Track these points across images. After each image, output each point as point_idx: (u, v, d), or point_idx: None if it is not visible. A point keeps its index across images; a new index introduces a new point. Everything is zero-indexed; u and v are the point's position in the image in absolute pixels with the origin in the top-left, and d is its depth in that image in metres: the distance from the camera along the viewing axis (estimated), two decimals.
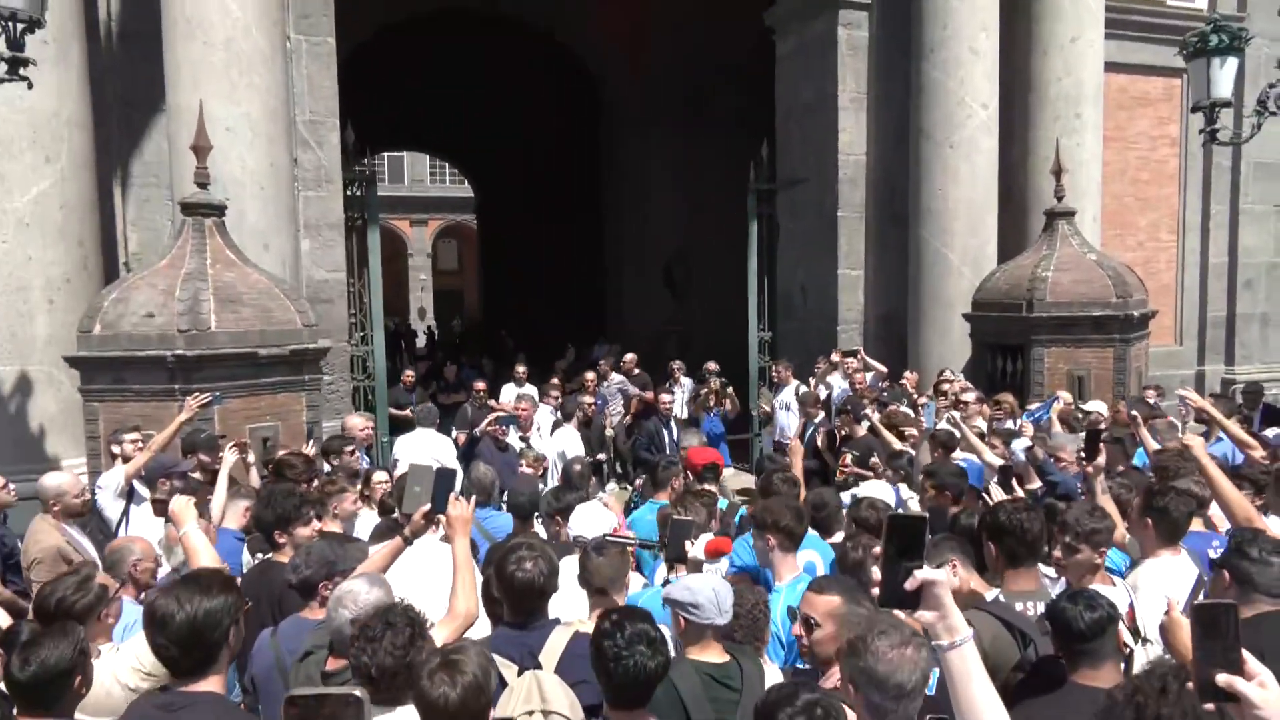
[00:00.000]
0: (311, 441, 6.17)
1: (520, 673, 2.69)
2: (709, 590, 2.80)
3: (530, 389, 9.62)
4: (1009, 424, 6.47)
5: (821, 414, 8.05)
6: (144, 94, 7.62)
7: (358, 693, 1.48)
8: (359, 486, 5.36)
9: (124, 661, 2.72)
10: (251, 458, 5.46)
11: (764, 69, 11.72)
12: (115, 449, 5.46)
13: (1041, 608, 3.00)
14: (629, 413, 9.48)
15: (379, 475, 5.70)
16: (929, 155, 9.46)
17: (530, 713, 2.47)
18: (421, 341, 27.75)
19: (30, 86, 4.94)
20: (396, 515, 4.27)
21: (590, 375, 9.86)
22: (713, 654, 2.79)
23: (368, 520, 4.94)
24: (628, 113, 17.78)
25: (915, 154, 9.63)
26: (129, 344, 5.69)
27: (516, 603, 2.95)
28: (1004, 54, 9.57)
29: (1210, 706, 1.51)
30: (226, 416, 5.85)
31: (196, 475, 5.28)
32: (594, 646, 2.39)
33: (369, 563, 3.21)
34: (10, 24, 4.57)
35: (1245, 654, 1.52)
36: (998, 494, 4.42)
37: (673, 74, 16.24)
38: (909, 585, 1.71)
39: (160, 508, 4.86)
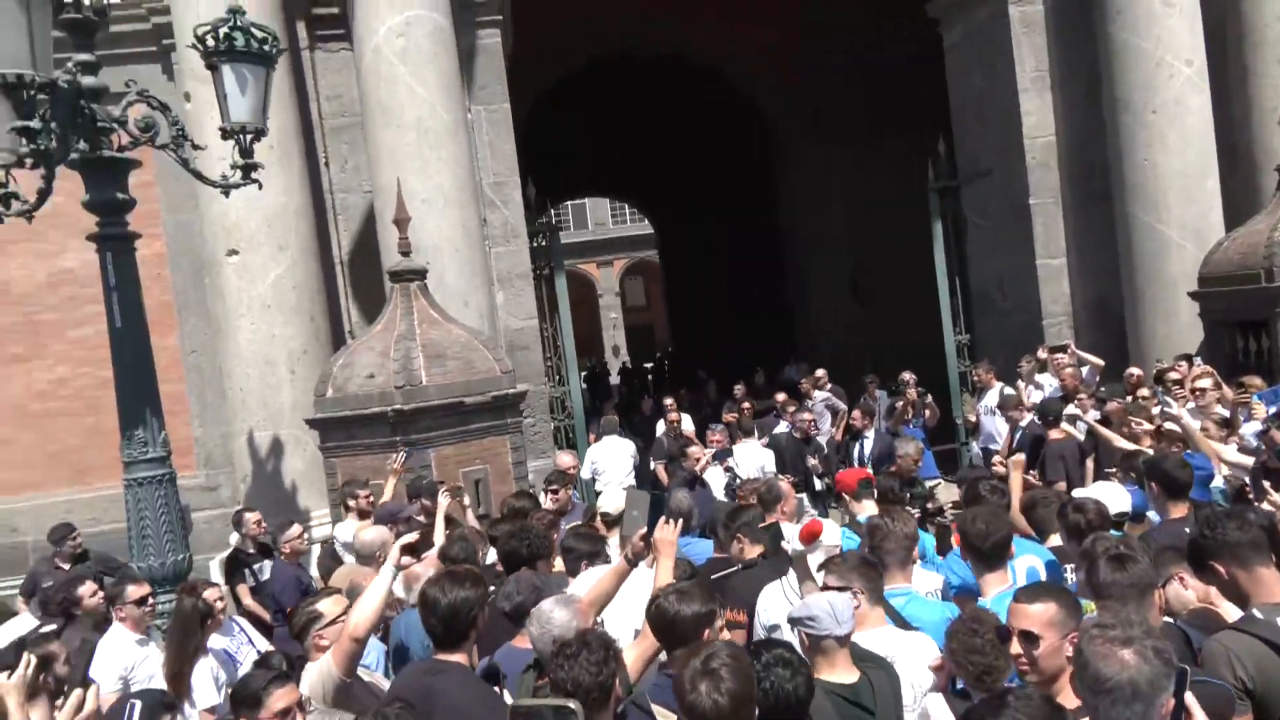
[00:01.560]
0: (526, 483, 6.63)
1: None
2: (824, 602, 2.76)
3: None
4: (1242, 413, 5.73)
5: (1029, 416, 7.51)
6: (353, 179, 8.55)
7: (572, 704, 1.58)
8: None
9: None
10: (467, 499, 5.90)
11: (929, 64, 11.28)
12: (351, 502, 6.09)
13: None
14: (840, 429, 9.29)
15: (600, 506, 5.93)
16: (1129, 125, 8.67)
17: None
18: (615, 379, 28.62)
19: (261, 188, 5.69)
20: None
21: (781, 396, 9.78)
22: (841, 672, 2.72)
23: None
24: (797, 130, 17.64)
25: (1113, 126, 8.86)
26: (355, 403, 6.35)
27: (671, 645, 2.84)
28: (1205, 2, 8.64)
29: None
30: (442, 463, 6.36)
31: (421, 518, 5.79)
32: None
33: (596, 586, 3.36)
34: (241, 136, 5.29)
35: None
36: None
37: (835, 86, 15.98)
38: None
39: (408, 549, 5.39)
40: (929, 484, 7.11)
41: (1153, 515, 4.50)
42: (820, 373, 10.51)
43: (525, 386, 7.57)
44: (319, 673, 3.06)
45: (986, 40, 9.96)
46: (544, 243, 9.48)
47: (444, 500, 5.40)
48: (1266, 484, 4.17)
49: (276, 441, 7.74)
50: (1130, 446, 5.84)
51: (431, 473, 6.24)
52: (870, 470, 7.56)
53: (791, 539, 3.79)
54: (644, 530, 3.22)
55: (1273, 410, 5.35)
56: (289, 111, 7.81)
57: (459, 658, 3.06)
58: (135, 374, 4.92)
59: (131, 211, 4.97)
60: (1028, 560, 3.79)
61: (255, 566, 6.19)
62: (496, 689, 3.06)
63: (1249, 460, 5.00)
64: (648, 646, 2.87)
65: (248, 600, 6.01)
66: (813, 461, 8.25)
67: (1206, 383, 6.33)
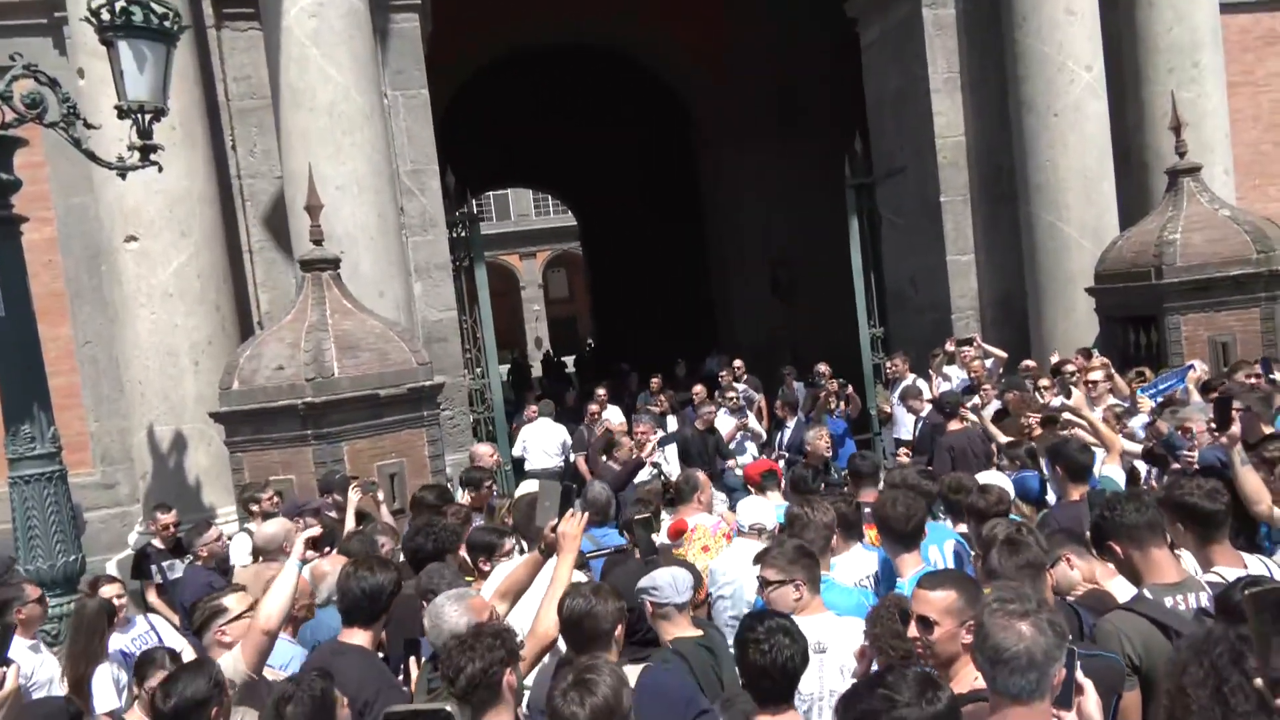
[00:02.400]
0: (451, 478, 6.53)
1: None
2: (668, 575, 3.22)
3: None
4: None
5: (928, 408, 7.78)
6: (263, 164, 8.24)
7: (449, 708, 1.55)
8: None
9: None
10: (381, 494, 5.77)
11: (849, 63, 11.52)
12: (254, 507, 5.85)
13: (1195, 600, 2.77)
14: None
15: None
16: (1033, 127, 9.04)
17: None
18: (538, 371, 28.45)
19: (161, 170, 5.42)
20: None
21: (699, 388, 9.87)
22: (684, 630, 3.20)
23: None
24: (718, 125, 17.81)
25: (1018, 127, 9.22)
26: (264, 396, 6.12)
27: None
28: (1105, 10, 9.07)
29: None
30: (355, 456, 6.20)
31: (332, 514, 5.63)
32: (738, 645, 2.55)
33: (509, 578, 3.33)
34: (139, 115, 5.03)
35: None
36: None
37: (757, 82, 16.18)
38: None
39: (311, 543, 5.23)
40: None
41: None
42: (738, 364, 10.65)
43: (443, 379, 7.43)
44: (227, 669, 2.95)
45: (902, 41, 10.22)
46: (464, 233, 9.32)
47: (354, 495, 5.28)
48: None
49: (179, 436, 7.43)
50: (1004, 438, 6.04)
51: (344, 467, 6.08)
52: (786, 457, 7.76)
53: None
54: (555, 522, 3.19)
55: (1158, 401, 5.64)
56: (193, 91, 7.48)
57: (362, 639, 3.22)
58: (21, 366, 4.64)
59: (17, 193, 4.67)
60: (949, 545, 3.92)
61: (165, 564, 5.90)
62: (411, 663, 3.23)
63: (1138, 448, 5.29)
64: (533, 645, 2.84)
65: (153, 598, 5.73)
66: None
67: (1098, 375, 6.65)
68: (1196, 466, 4.22)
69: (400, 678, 3.34)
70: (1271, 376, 5.98)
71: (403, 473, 6.39)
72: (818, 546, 3.63)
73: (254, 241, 8.34)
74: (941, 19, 9.79)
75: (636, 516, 4.00)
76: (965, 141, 9.86)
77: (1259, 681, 1.39)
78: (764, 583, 3.17)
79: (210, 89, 8.00)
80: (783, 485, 5.53)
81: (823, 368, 9.50)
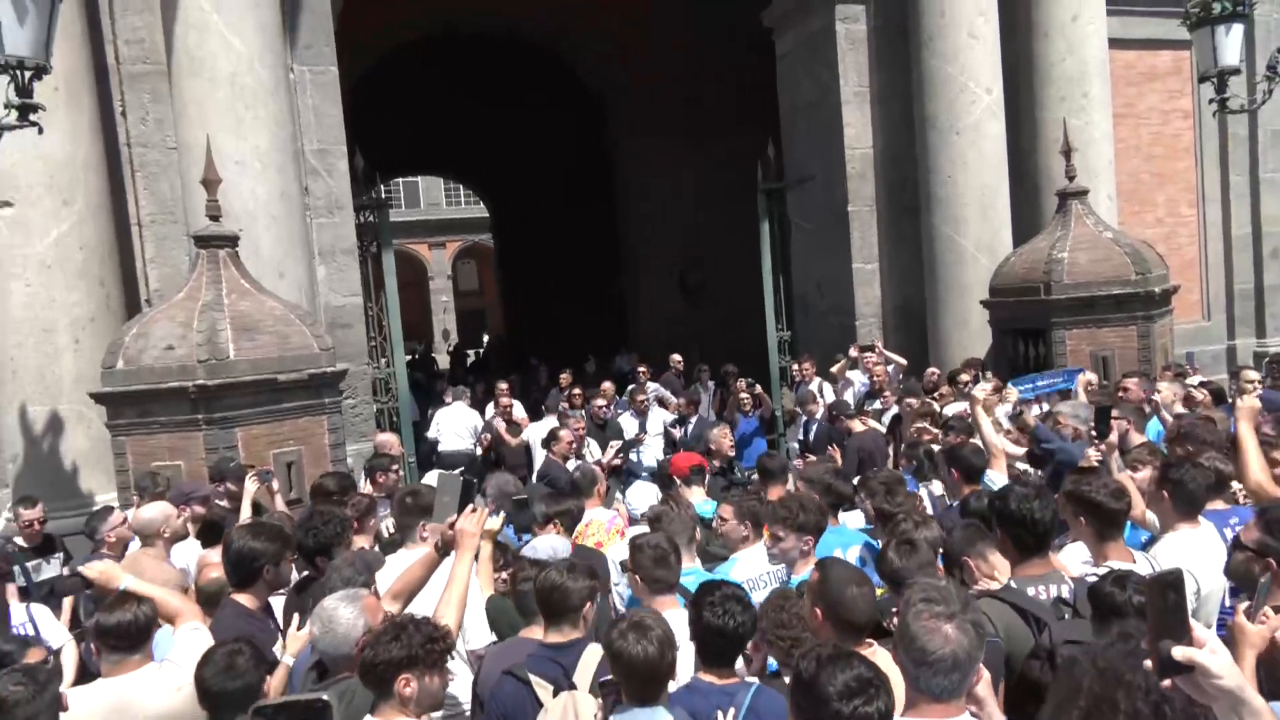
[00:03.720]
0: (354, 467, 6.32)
1: (555, 693, 2.71)
2: (548, 544, 3.60)
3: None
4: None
5: (821, 409, 8.02)
6: (155, 134, 7.78)
7: (325, 696, 1.49)
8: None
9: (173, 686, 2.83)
10: (276, 484, 5.54)
11: (764, 68, 11.73)
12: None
13: (1056, 590, 2.95)
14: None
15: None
16: (936, 143, 9.41)
17: None
18: (445, 363, 27.93)
19: (41, 132, 5.05)
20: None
21: (608, 385, 9.88)
22: None
23: None
24: (633, 121, 17.87)
25: (922, 143, 9.58)
26: (151, 377, 5.79)
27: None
28: (1005, 38, 9.52)
29: (1168, 682, 1.47)
30: (250, 443, 5.93)
31: (223, 503, 5.38)
32: (693, 608, 2.73)
33: (404, 576, 3.22)
34: (18, 72, 4.69)
35: (1193, 623, 1.48)
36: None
37: (674, 81, 16.31)
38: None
39: (199, 530, 4.97)
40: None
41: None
42: (643, 369, 10.78)
43: (346, 366, 7.20)
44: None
45: (815, 52, 10.48)
46: (372, 218, 9.05)
47: (251, 485, 5.05)
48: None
49: (55, 417, 6.95)
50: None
51: (238, 453, 5.82)
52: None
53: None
54: (454, 518, 3.08)
55: (1033, 397, 5.91)
56: (80, 51, 7.00)
57: (243, 598, 3.43)
58: None
59: None
60: (854, 551, 4.02)
61: (30, 564, 5.47)
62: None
63: (1021, 450, 5.56)
64: None
65: (13, 600, 5.29)
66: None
67: (988, 386, 6.96)
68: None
69: None
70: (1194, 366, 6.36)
71: (300, 461, 6.16)
72: (684, 541, 3.74)
73: (144, 214, 7.87)
74: (854, 34, 10.08)
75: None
76: (873, 153, 10.19)
77: (1148, 663, 1.47)
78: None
79: (99, 50, 7.51)
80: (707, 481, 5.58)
81: (732, 367, 9.66)
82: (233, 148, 6.93)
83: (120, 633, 2.81)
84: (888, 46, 9.98)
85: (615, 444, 8.01)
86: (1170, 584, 1.50)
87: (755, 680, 2.74)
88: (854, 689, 1.87)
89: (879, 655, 2.65)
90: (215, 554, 3.91)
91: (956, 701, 1.98)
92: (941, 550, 3.29)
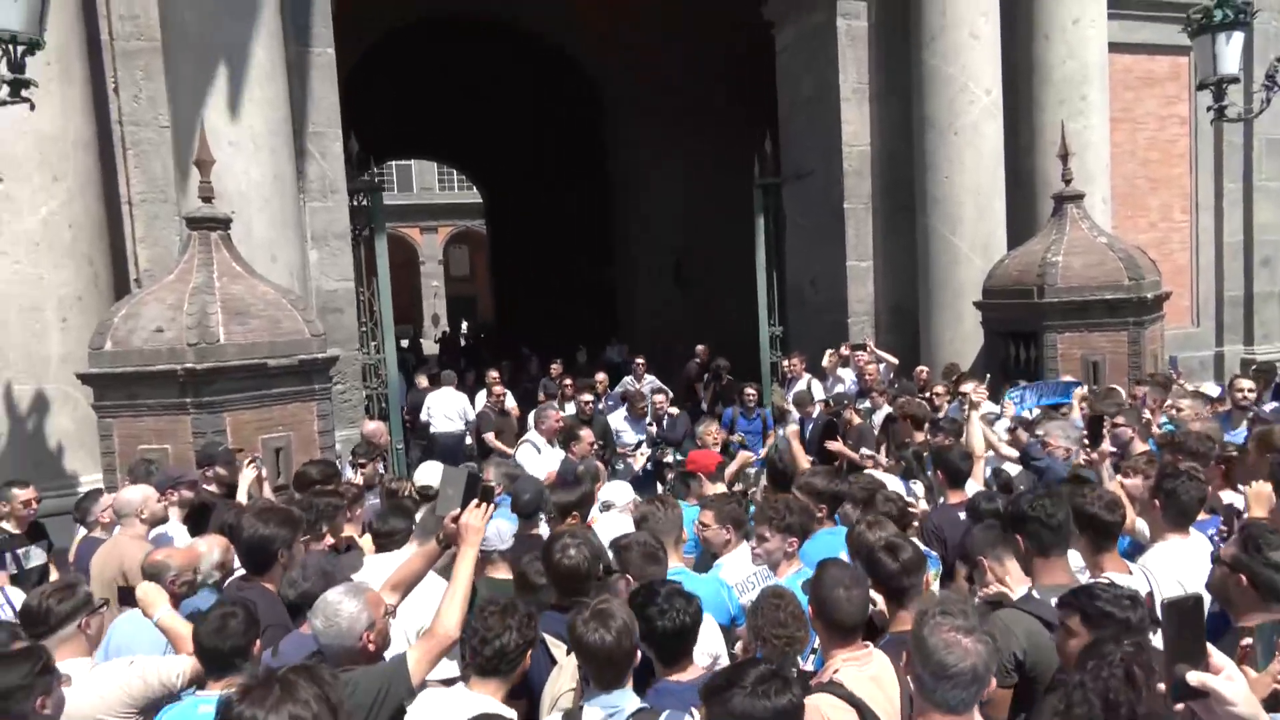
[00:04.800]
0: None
1: (569, 652, 2.80)
2: (494, 528, 3.68)
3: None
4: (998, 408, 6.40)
5: (819, 408, 8.02)
6: (148, 111, 7.69)
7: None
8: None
9: (94, 693, 2.83)
10: (265, 471, 5.49)
11: (766, 63, 11.68)
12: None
13: None
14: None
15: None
16: (933, 143, 9.40)
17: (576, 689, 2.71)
18: (434, 349, 27.83)
19: (33, 108, 4.98)
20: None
21: (601, 376, 9.86)
22: (501, 572, 3.79)
23: None
24: (631, 113, 17.78)
25: (920, 142, 9.57)
26: (140, 360, 5.73)
27: (562, 586, 3.23)
28: (1005, 39, 9.50)
29: (1180, 706, 1.48)
30: (239, 428, 5.89)
31: (210, 488, 5.34)
32: (641, 619, 2.67)
33: (402, 568, 3.14)
34: (11, 46, 4.61)
35: (1211, 648, 1.49)
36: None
37: (673, 72, 16.22)
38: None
39: (186, 515, 4.93)
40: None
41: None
42: (639, 361, 10.75)
43: (336, 352, 7.16)
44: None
45: (815, 47, 10.44)
46: (365, 202, 8.97)
47: (249, 472, 5.02)
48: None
49: (40, 396, 6.88)
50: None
51: (226, 438, 5.77)
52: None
53: None
54: (457, 511, 3.01)
55: (1030, 409, 5.93)
56: (73, 26, 6.90)
57: (264, 582, 3.46)
58: None
59: None
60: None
61: (20, 551, 5.37)
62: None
63: (1015, 453, 5.57)
64: (431, 645, 2.71)
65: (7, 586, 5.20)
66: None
67: (968, 386, 6.94)
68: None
69: None
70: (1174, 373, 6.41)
71: (289, 447, 6.12)
72: (670, 540, 3.75)
73: (135, 193, 7.78)
74: (855, 30, 10.04)
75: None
76: (871, 151, 10.17)
77: (1161, 686, 1.48)
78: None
79: (93, 25, 7.40)
80: None
81: (722, 362, 9.65)
82: (227, 128, 6.85)
83: (29, 618, 3.00)
84: (888, 44, 9.94)
85: (644, 452, 8.02)
86: (1189, 608, 1.50)
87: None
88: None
89: (875, 657, 2.66)
90: (203, 543, 3.87)
91: (969, 713, 2.00)
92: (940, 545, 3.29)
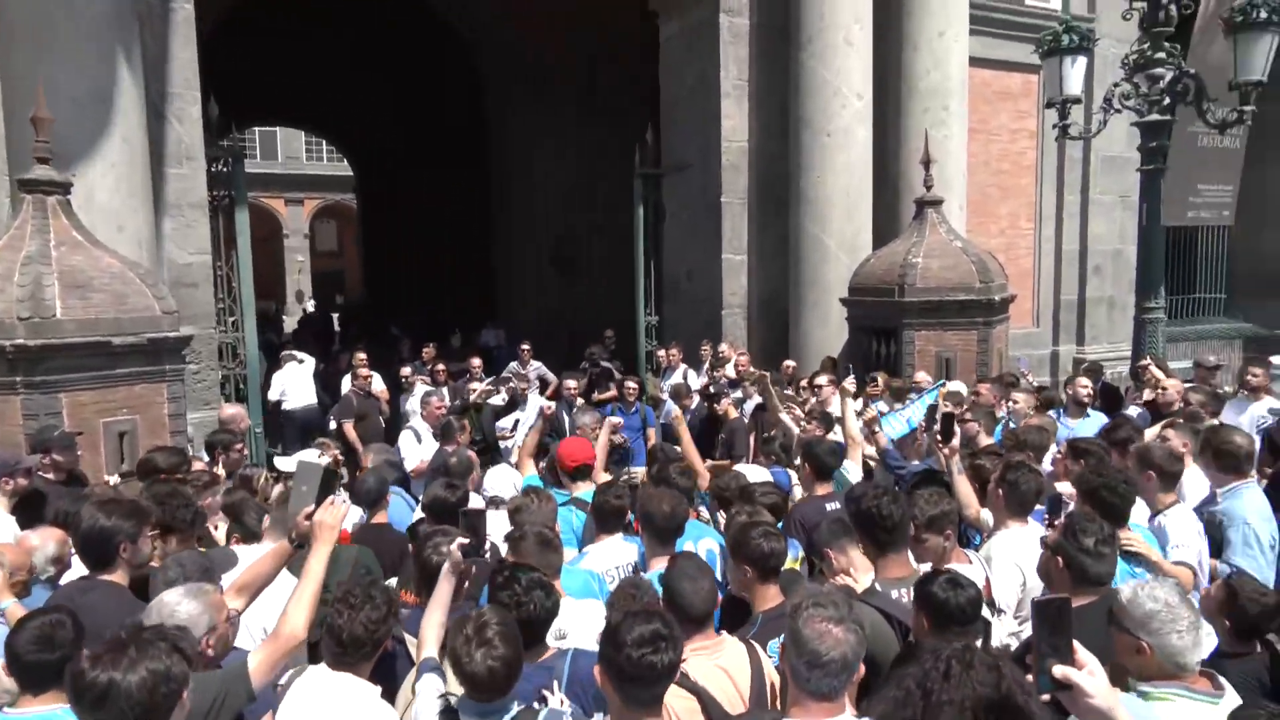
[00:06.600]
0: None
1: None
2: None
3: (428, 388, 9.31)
4: (880, 404, 6.70)
5: (697, 400, 8.19)
6: None
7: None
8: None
9: None
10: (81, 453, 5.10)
11: (654, 52, 11.74)
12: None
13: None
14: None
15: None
16: (808, 143, 9.71)
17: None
18: (292, 325, 26.57)
19: None
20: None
21: (476, 361, 9.69)
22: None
23: None
24: (515, 92, 17.48)
25: (795, 141, 9.87)
26: None
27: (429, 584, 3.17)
28: (877, 47, 9.91)
29: (1046, 696, 1.63)
30: (77, 410, 5.45)
31: (49, 475, 4.92)
32: (492, 597, 2.75)
33: (251, 569, 3.03)
34: None
35: (1076, 645, 1.65)
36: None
37: (560, 54, 16.05)
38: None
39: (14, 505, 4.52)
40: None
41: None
42: (525, 347, 10.65)
43: (191, 330, 6.73)
44: None
45: (698, 42, 10.57)
46: (224, 169, 8.44)
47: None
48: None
49: None
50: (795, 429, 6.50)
51: (62, 421, 5.33)
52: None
53: None
54: (311, 509, 2.92)
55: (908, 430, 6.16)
56: None
57: (110, 577, 3.24)
58: None
59: None
60: (707, 543, 4.11)
61: None
62: None
63: (869, 449, 5.84)
64: (276, 647, 2.61)
65: None
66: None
67: (823, 379, 7.31)
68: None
69: None
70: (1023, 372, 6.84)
71: (135, 431, 5.72)
72: (551, 535, 3.73)
73: None
74: (736, 27, 10.23)
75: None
76: (749, 147, 10.40)
77: (1029, 677, 1.61)
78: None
79: None
80: None
81: (596, 348, 9.69)
82: (69, 83, 6.28)
83: None
84: (768, 44, 10.19)
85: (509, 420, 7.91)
86: (1058, 607, 1.66)
87: (568, 648, 2.84)
88: (647, 639, 2.13)
89: (726, 646, 2.74)
90: (35, 536, 3.57)
91: (839, 699, 2.09)
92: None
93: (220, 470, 5.40)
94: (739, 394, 8.27)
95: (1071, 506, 3.51)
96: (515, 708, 2.48)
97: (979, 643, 2.63)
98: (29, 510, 4.48)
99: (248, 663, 2.51)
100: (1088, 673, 1.63)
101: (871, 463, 5.56)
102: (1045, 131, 12.03)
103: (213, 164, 8.21)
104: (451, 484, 4.34)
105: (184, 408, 6.24)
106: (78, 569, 3.41)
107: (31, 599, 3.31)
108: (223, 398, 8.10)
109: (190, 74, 7.80)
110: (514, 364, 10.46)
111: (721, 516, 4.39)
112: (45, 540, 3.51)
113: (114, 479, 5.02)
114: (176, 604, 2.52)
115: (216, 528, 4.38)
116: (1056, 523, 3.12)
